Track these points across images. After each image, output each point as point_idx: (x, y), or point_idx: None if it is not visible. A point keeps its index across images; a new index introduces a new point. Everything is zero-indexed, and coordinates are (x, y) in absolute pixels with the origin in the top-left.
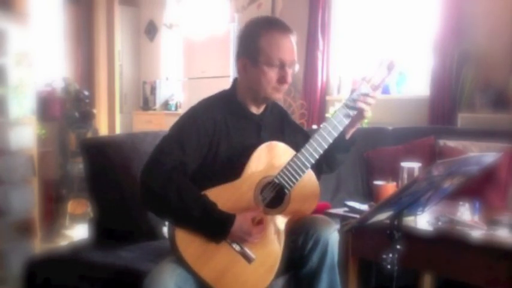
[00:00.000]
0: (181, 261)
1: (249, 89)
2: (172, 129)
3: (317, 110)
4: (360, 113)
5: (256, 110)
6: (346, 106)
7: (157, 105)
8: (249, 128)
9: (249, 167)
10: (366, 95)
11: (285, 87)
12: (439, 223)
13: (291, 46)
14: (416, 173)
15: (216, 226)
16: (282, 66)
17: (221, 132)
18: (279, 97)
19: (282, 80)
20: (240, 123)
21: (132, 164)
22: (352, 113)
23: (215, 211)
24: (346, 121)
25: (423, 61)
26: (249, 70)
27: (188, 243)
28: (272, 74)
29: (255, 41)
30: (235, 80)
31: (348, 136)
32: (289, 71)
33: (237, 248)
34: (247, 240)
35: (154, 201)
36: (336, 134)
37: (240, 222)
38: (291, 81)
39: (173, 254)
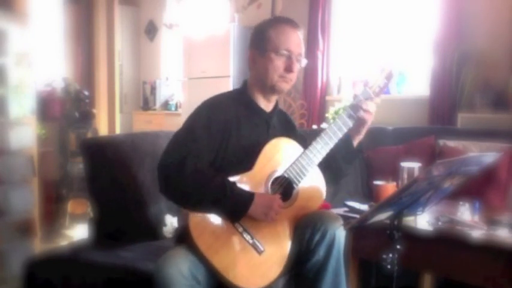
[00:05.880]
0: (193, 249)
1: (258, 80)
2: (185, 123)
3: (317, 110)
4: (363, 119)
5: (265, 106)
6: (351, 107)
7: (157, 105)
8: (259, 124)
9: (259, 161)
10: (369, 98)
11: (292, 76)
12: (439, 223)
13: (298, 39)
14: (416, 173)
15: (237, 201)
16: (289, 56)
17: (232, 126)
18: (286, 87)
19: (288, 68)
20: (251, 119)
21: (132, 164)
22: (355, 114)
23: (234, 188)
24: (351, 123)
25: (423, 61)
26: (257, 60)
27: (201, 231)
28: (279, 62)
29: (263, 32)
30: (245, 81)
31: (355, 143)
32: (296, 63)
33: (248, 238)
34: (269, 215)
35: (173, 190)
36: (341, 134)
37: (261, 197)
38: (297, 71)
39: (184, 242)
